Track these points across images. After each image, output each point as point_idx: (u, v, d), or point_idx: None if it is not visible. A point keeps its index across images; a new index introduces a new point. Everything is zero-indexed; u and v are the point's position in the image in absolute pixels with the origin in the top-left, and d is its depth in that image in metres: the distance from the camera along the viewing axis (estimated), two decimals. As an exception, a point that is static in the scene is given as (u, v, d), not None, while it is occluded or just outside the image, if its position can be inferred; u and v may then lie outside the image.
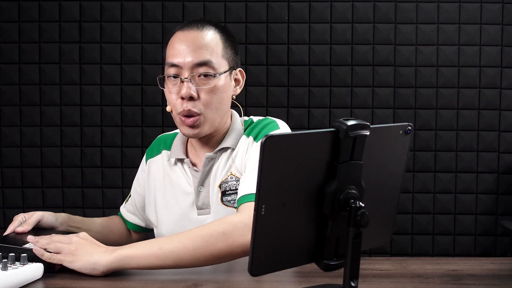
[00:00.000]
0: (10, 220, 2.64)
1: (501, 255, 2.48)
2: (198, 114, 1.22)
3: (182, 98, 1.21)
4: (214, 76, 1.22)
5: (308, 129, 2.41)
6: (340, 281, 0.84)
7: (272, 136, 0.73)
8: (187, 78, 1.21)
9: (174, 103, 1.24)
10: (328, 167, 0.80)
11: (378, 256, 2.42)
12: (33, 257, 1.02)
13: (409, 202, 2.50)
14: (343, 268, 0.81)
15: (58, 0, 2.47)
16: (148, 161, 1.41)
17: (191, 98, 1.21)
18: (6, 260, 0.95)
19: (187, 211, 1.29)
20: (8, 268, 0.94)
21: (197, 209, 1.28)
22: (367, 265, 1.09)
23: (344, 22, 2.49)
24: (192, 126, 1.23)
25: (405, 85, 2.50)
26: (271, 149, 0.73)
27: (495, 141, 2.49)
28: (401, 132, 0.87)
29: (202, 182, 1.28)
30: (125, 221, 1.47)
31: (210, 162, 1.28)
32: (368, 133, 0.80)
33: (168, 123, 2.44)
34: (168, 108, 1.28)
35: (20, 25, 2.47)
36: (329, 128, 0.80)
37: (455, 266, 1.10)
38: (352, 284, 0.81)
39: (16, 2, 2.46)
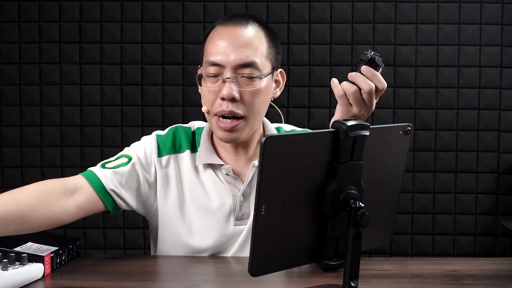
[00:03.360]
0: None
1: (501, 255, 2.48)
2: (241, 117, 1.14)
3: (223, 99, 1.12)
4: (259, 78, 1.14)
5: (308, 129, 2.41)
6: (340, 281, 0.84)
7: (272, 136, 0.73)
8: (229, 78, 1.12)
9: (212, 103, 1.14)
10: (328, 167, 0.80)
11: (378, 256, 2.42)
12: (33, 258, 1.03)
13: (409, 202, 2.50)
14: (343, 268, 0.81)
15: (58, 0, 2.47)
16: (169, 156, 1.23)
17: (233, 100, 1.12)
18: (6, 260, 0.95)
19: (223, 221, 1.20)
20: (8, 268, 0.94)
21: (235, 220, 1.21)
22: (367, 265, 1.09)
23: (344, 22, 2.49)
24: (231, 130, 1.14)
25: (405, 85, 2.50)
26: (271, 149, 0.73)
27: (495, 141, 2.49)
28: (401, 132, 0.87)
29: (244, 192, 1.21)
30: (107, 198, 1.15)
31: (255, 171, 1.21)
32: (368, 134, 0.80)
33: (169, 123, 2.43)
34: (204, 109, 1.16)
35: (20, 25, 2.47)
36: (329, 128, 0.80)
37: (455, 266, 1.10)
38: (352, 284, 0.81)
39: (16, 2, 2.46)
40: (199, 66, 1.22)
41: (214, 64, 1.13)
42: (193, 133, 1.28)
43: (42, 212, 1.06)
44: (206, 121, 1.30)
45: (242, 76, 1.13)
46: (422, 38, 2.49)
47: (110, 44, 2.49)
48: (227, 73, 1.13)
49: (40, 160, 2.48)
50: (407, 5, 2.48)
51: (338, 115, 1.09)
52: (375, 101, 1.06)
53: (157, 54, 2.49)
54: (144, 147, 1.23)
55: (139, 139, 1.28)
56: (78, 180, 1.15)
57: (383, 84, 1.05)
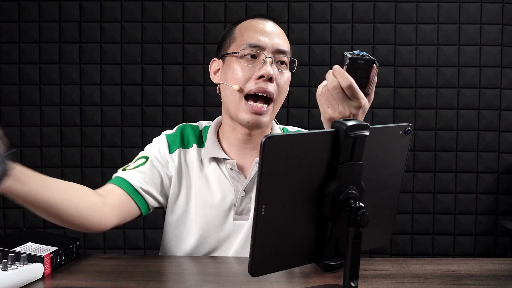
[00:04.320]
0: (10, 220, 2.63)
1: (501, 255, 2.48)
2: (271, 98, 1.19)
3: (259, 78, 1.18)
4: (288, 67, 1.23)
5: (308, 129, 2.41)
6: (340, 281, 0.84)
7: (272, 137, 0.73)
8: (271, 57, 1.19)
9: (246, 81, 1.19)
10: (328, 168, 0.80)
11: (378, 256, 2.42)
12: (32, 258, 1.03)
13: (409, 202, 2.50)
14: (343, 268, 0.81)
15: (58, 0, 2.47)
16: (179, 150, 1.28)
17: (269, 80, 1.18)
18: (6, 260, 0.95)
19: (223, 215, 1.23)
20: (8, 268, 0.94)
21: (235, 214, 1.23)
22: (367, 265, 1.09)
23: (344, 22, 2.49)
24: (259, 114, 1.18)
25: (405, 85, 2.50)
26: (271, 149, 0.73)
27: (495, 141, 2.49)
28: (401, 132, 0.87)
29: (246, 187, 1.23)
30: (138, 196, 1.21)
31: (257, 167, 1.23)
32: (368, 134, 0.80)
33: (168, 123, 2.44)
34: (236, 87, 1.19)
35: (20, 25, 2.47)
36: (329, 128, 0.80)
37: (455, 267, 1.10)
38: (352, 284, 0.81)
39: (16, 2, 2.46)
40: (213, 59, 1.29)
41: (255, 46, 1.20)
42: (200, 131, 1.33)
43: (80, 195, 1.11)
44: (212, 121, 1.33)
45: (277, 61, 1.21)
46: (422, 38, 2.49)
47: (110, 44, 2.49)
48: (268, 54, 1.20)
49: (40, 160, 2.48)
50: (407, 5, 2.48)
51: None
52: (353, 103, 1.01)
53: (157, 54, 2.49)
54: (157, 147, 1.29)
55: (139, 139, 1.32)
56: (106, 186, 1.22)
57: (347, 81, 0.98)
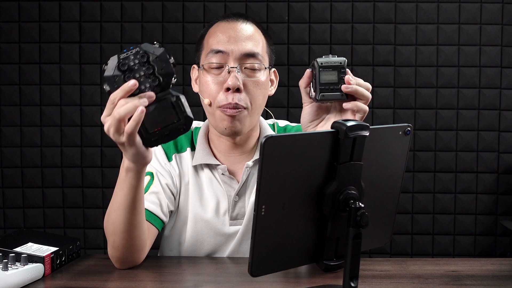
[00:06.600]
0: (10, 220, 2.62)
1: (501, 255, 2.48)
2: (244, 108, 1.15)
3: (227, 90, 1.14)
4: (260, 70, 1.17)
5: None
6: (340, 281, 0.84)
7: (272, 137, 0.73)
8: (235, 67, 1.14)
9: (215, 95, 1.15)
10: (328, 168, 0.80)
11: (378, 256, 2.42)
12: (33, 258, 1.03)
13: (409, 202, 2.50)
14: (343, 269, 0.82)
15: (58, 0, 2.47)
16: (174, 156, 1.25)
17: (237, 90, 1.13)
18: (6, 260, 0.95)
19: (218, 221, 1.22)
20: (9, 268, 0.95)
21: (231, 220, 1.22)
22: (367, 265, 1.09)
23: (344, 22, 2.49)
24: (235, 118, 1.14)
25: (405, 85, 2.50)
26: (271, 150, 0.74)
27: (495, 141, 2.49)
28: (400, 133, 0.87)
29: (238, 192, 1.22)
30: (154, 219, 1.17)
31: (249, 171, 1.22)
32: (367, 134, 0.80)
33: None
34: (206, 101, 1.17)
35: (20, 25, 2.47)
36: (329, 128, 0.80)
37: (455, 267, 1.10)
38: (352, 284, 0.81)
39: (16, 2, 2.46)
40: (193, 66, 1.27)
41: (219, 51, 1.15)
42: (192, 132, 1.30)
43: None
44: (203, 121, 1.31)
45: (245, 68, 1.16)
46: (422, 38, 2.49)
47: (110, 44, 2.49)
48: (232, 63, 1.15)
49: (40, 160, 2.48)
50: (407, 5, 2.48)
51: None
52: None
53: (157, 54, 2.49)
54: (156, 158, 1.23)
55: (139, 139, 1.27)
56: None
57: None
